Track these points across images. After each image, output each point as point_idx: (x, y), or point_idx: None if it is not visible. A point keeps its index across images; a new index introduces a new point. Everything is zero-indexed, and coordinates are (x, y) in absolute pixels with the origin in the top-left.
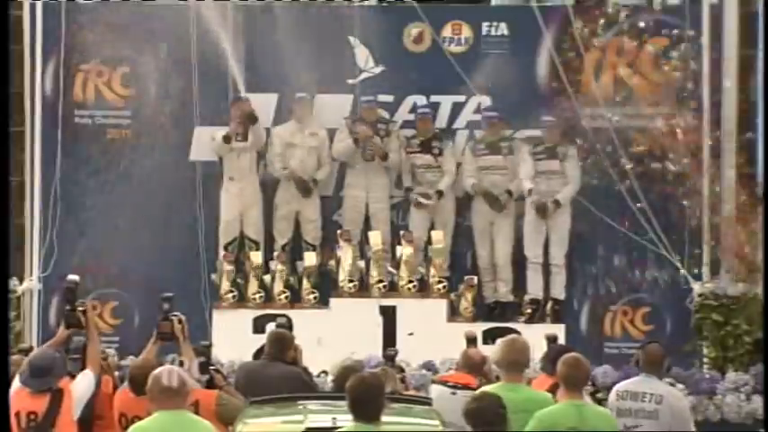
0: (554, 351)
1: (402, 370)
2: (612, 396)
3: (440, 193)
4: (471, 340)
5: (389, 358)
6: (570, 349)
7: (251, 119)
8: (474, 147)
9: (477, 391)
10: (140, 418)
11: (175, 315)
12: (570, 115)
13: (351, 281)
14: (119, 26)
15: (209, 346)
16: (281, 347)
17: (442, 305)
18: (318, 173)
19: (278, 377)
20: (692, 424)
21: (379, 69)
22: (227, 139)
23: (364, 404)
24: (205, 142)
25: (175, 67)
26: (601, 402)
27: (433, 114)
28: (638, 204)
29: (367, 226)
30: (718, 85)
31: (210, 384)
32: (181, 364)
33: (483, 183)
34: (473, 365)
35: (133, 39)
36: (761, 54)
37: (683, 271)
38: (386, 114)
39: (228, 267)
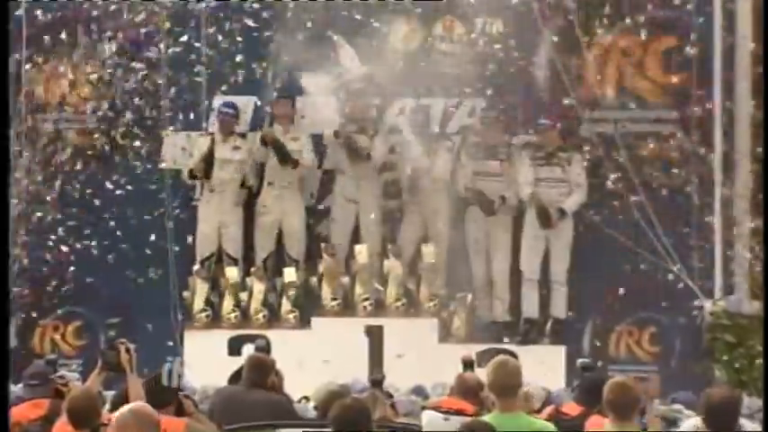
0: (588, 380)
1: (390, 396)
2: None
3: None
4: (468, 365)
5: (376, 383)
6: (605, 377)
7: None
8: (468, 151)
9: (468, 419)
10: None
11: (122, 343)
12: (571, 119)
13: (334, 299)
14: (84, 25)
15: None
16: (261, 373)
17: (432, 325)
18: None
19: (260, 405)
20: None
21: (364, 70)
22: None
23: None
24: (176, 149)
25: (145, 68)
26: None
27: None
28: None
29: (355, 239)
30: (732, 87)
31: (180, 411)
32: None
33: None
34: (468, 390)
35: (100, 38)
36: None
37: (694, 287)
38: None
39: (202, 284)
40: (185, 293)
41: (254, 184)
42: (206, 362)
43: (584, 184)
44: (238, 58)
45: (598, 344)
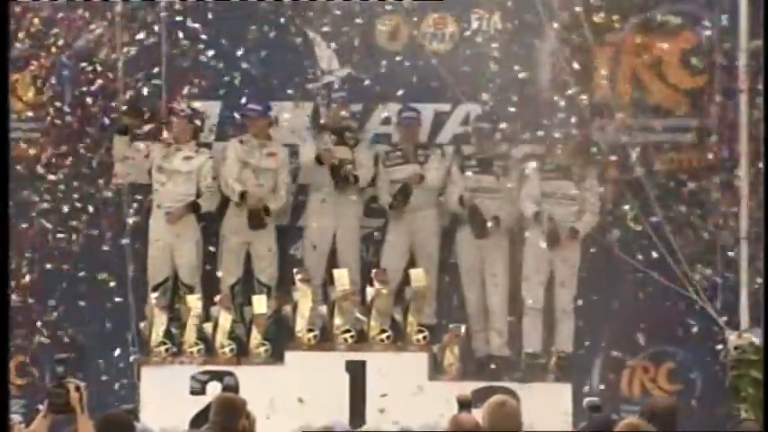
0: (597, 422)
1: None
2: None
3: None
4: (465, 405)
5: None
6: (616, 419)
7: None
8: (462, 164)
9: None
10: None
11: (71, 381)
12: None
13: (311, 330)
14: (28, 20)
15: (132, 411)
16: (231, 416)
17: (421, 360)
18: (272, 201)
19: None
20: None
21: (344, 72)
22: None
23: None
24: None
25: (98, 70)
26: None
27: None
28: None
29: (332, 263)
30: (761, 92)
31: None
32: None
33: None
34: None
35: (45, 35)
36: None
37: (717, 318)
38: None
39: (160, 314)
40: (142, 324)
41: (210, 209)
42: (165, 401)
43: (598, 203)
44: (202, 59)
45: (609, 381)
